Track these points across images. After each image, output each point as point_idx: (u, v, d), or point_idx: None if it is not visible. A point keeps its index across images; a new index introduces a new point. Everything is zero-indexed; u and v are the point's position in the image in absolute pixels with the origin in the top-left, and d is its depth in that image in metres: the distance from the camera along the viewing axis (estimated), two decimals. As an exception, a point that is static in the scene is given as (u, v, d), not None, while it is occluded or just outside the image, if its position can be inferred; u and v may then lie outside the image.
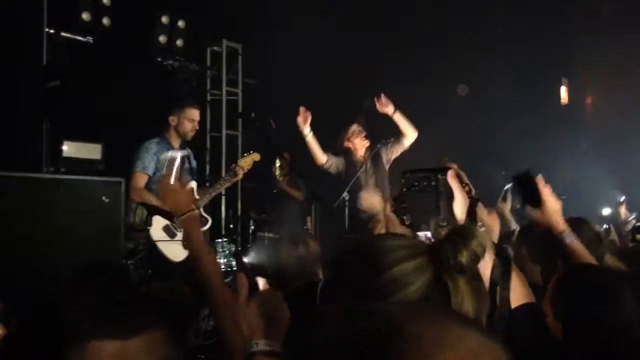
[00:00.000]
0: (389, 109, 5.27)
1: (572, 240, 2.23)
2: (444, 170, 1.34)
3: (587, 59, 8.87)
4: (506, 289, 1.49)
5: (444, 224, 1.38)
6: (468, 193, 1.35)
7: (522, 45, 8.19)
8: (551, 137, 8.21)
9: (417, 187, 1.33)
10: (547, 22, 8.10)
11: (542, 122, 8.30)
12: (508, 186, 4.28)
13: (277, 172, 6.74)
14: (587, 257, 2.22)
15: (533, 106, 8.34)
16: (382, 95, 5.30)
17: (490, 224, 2.31)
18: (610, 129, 8.30)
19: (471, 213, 1.35)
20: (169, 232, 4.67)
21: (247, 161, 4.94)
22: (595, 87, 9.12)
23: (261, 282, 1.39)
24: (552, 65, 8.68)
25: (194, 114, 4.86)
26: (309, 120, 5.27)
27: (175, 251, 4.66)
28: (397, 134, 5.45)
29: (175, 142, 4.87)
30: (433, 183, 1.33)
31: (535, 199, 2.17)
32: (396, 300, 0.98)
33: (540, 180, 2.18)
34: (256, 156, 5.00)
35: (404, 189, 1.34)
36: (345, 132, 5.54)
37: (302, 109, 5.26)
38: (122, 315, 1.24)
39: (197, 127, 4.93)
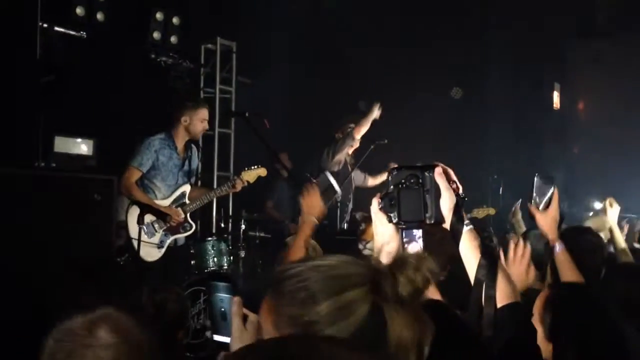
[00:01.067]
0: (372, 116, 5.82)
1: (561, 250, 2.29)
2: (431, 168, 1.34)
3: (579, 64, 8.93)
4: (492, 288, 1.49)
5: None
6: (455, 191, 1.35)
7: (515, 49, 8.23)
8: (543, 141, 8.25)
9: (404, 184, 1.33)
10: (541, 27, 8.14)
11: (534, 126, 8.34)
12: (517, 203, 4.50)
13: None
14: (572, 269, 2.27)
15: (525, 110, 8.38)
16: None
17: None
18: (601, 133, 8.35)
19: (458, 211, 1.35)
20: (149, 230, 4.64)
21: (251, 175, 4.87)
22: (587, 92, 9.17)
23: (247, 312, 1.39)
24: (545, 71, 8.73)
25: (205, 113, 4.83)
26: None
27: (147, 251, 4.63)
28: (368, 176, 6.09)
29: (180, 142, 4.82)
30: (420, 180, 1.33)
31: (544, 203, 2.31)
32: (337, 329, 0.98)
33: (556, 191, 2.33)
34: (262, 171, 4.92)
35: (391, 186, 1.34)
36: (344, 124, 5.63)
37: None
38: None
39: (207, 127, 4.92)
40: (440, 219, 1.35)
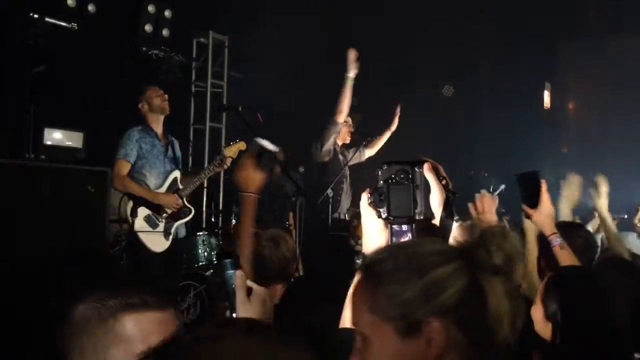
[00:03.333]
0: (394, 125, 5.95)
1: (559, 244, 2.30)
2: (421, 163, 1.34)
3: (570, 64, 8.98)
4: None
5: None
6: (445, 187, 1.35)
7: (506, 49, 8.25)
8: (533, 140, 8.30)
9: (394, 179, 1.33)
10: (532, 27, 8.17)
11: (525, 126, 8.38)
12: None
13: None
14: (573, 260, 2.27)
15: (516, 109, 8.42)
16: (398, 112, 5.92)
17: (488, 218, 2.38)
18: (591, 133, 8.41)
19: (448, 207, 1.35)
20: (151, 222, 4.65)
21: (232, 150, 4.91)
22: (578, 92, 9.23)
23: (252, 285, 1.40)
24: (535, 70, 8.76)
25: (154, 90, 4.82)
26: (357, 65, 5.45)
27: (156, 241, 4.65)
28: (365, 146, 5.88)
29: (157, 128, 4.83)
30: (410, 176, 1.33)
31: (534, 200, 2.29)
32: (435, 305, 1.00)
33: (544, 184, 2.32)
34: (242, 145, 4.96)
35: (381, 181, 1.34)
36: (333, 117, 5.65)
37: (353, 52, 5.46)
38: (148, 292, 1.29)
39: (167, 97, 4.87)
40: (429, 214, 1.35)
